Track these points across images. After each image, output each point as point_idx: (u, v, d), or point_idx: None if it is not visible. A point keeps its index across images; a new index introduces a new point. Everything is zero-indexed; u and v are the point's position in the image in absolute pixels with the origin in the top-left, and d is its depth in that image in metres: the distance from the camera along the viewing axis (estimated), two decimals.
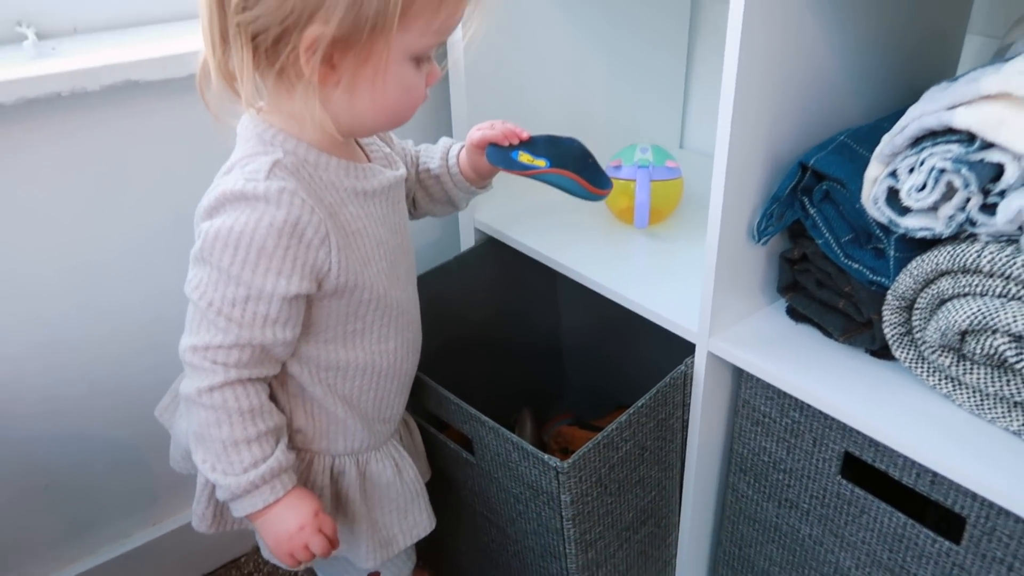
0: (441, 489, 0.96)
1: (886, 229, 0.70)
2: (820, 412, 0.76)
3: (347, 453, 0.77)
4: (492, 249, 1.11)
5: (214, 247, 0.63)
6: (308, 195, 0.64)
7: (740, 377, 0.84)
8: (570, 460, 0.75)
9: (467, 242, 1.14)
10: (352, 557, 0.80)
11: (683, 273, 0.94)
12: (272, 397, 0.71)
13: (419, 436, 0.91)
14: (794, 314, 0.83)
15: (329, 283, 0.67)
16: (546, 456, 0.75)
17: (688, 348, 0.86)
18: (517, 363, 1.22)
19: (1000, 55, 0.76)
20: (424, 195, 0.88)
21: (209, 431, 0.66)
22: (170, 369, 1.03)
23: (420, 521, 0.83)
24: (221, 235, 0.62)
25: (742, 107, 0.72)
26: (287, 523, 0.68)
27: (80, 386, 0.99)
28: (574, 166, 0.83)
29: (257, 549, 1.11)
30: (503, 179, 1.10)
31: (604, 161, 1.07)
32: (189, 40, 0.92)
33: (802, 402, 0.78)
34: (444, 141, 0.88)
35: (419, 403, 0.90)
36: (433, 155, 0.87)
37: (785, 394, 0.79)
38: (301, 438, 0.75)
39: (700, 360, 0.83)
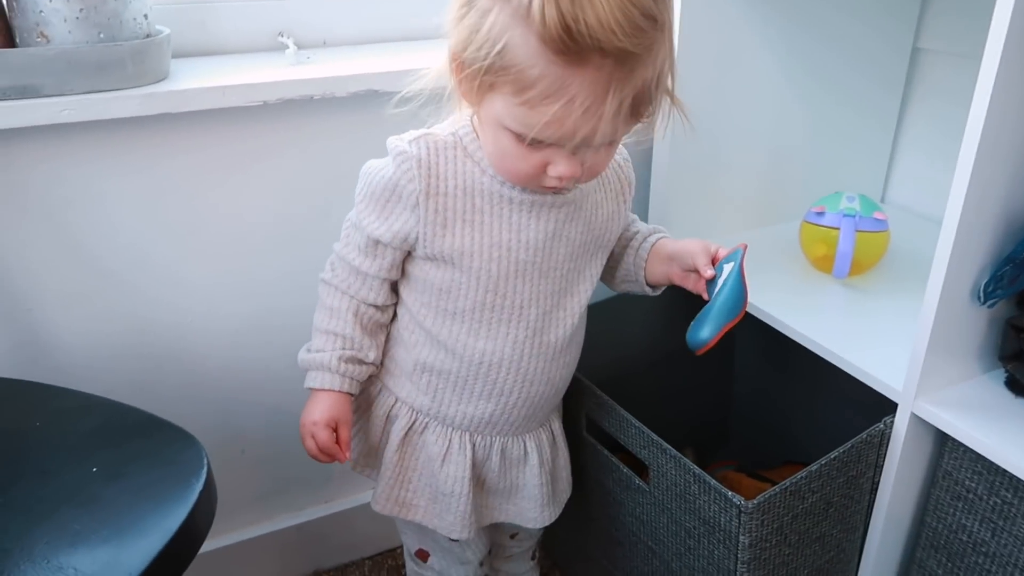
0: (605, 513, 0.96)
1: None
2: None
3: (407, 404, 0.81)
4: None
5: (360, 178, 0.75)
6: (423, 166, 0.71)
7: (944, 446, 0.80)
8: (755, 501, 0.73)
9: None
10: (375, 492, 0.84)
11: (886, 329, 0.90)
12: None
13: (563, 457, 0.89)
14: (1015, 386, 0.77)
15: (419, 251, 0.74)
16: (730, 493, 0.74)
17: (875, 409, 0.82)
18: (685, 402, 1.20)
19: None
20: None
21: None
22: None
23: (447, 520, 0.82)
24: (363, 171, 0.75)
25: (982, 165, 0.69)
26: (305, 413, 0.80)
27: (281, 364, 1.07)
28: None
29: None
30: (696, 208, 1.11)
31: (805, 206, 1.05)
32: (420, 56, 0.99)
33: (1018, 481, 0.72)
34: (656, 227, 0.89)
35: (595, 423, 0.92)
36: (637, 227, 0.87)
37: (997, 469, 0.74)
38: (384, 365, 0.83)
39: (901, 421, 0.79)
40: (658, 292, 0.87)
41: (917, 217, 1.20)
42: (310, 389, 0.80)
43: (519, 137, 0.64)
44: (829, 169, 1.19)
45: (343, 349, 0.78)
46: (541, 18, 0.57)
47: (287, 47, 0.97)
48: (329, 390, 0.79)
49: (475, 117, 0.73)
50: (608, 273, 0.88)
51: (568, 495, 0.92)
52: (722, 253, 0.80)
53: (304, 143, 0.98)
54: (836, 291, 1.00)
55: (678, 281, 0.82)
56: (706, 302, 0.76)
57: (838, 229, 0.99)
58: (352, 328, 0.78)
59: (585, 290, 0.81)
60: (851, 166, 1.21)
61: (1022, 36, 0.64)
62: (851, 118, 1.16)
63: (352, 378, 0.80)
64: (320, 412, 0.78)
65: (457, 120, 0.74)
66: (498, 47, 0.60)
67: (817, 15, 1.06)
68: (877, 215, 1.00)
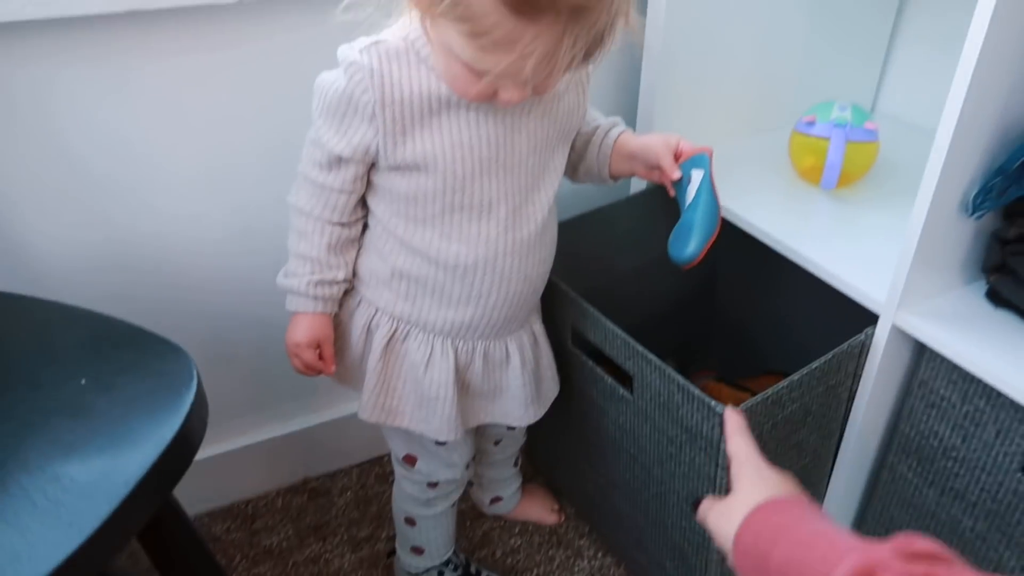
0: (588, 423, 0.98)
1: None
2: (1011, 403, 0.73)
3: (387, 314, 0.82)
4: (663, 193, 1.10)
5: (314, 93, 0.74)
6: (376, 76, 0.69)
7: (921, 356, 0.81)
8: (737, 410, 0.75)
9: (639, 183, 1.14)
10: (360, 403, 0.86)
11: (870, 241, 0.91)
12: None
13: (547, 357, 0.91)
14: (995, 298, 0.78)
15: (382, 162, 0.74)
16: (713, 402, 0.75)
17: (855, 319, 0.84)
18: (667, 311, 1.22)
19: None
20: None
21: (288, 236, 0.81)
22: None
23: (433, 424, 0.84)
24: (316, 85, 0.74)
25: (981, 75, 0.67)
26: (289, 335, 0.83)
27: (268, 274, 1.05)
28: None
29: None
30: (685, 115, 1.08)
31: (797, 115, 1.04)
32: None
33: (991, 389, 0.74)
34: (614, 119, 0.89)
35: (580, 334, 0.93)
36: (596, 121, 0.88)
37: (972, 379, 0.76)
38: (361, 276, 0.83)
39: (882, 332, 0.81)
40: (618, 183, 0.92)
41: (907, 127, 1.19)
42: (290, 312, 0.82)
43: (471, 69, 0.64)
44: (821, 77, 1.16)
45: (312, 273, 0.80)
46: None
47: None
48: (306, 312, 0.81)
49: (426, 22, 0.69)
50: (569, 167, 0.88)
51: (555, 393, 0.94)
52: (684, 146, 0.84)
53: (286, 46, 0.94)
54: (823, 202, 1.00)
55: (642, 176, 0.89)
56: (678, 210, 0.78)
57: (828, 139, 0.98)
58: (319, 250, 0.79)
59: (552, 183, 0.81)
60: (844, 74, 1.19)
61: None
62: (845, 25, 1.13)
63: (326, 299, 0.82)
64: (302, 334, 0.82)
65: (407, 24, 0.71)
66: None
67: None
68: (868, 125, 0.99)
